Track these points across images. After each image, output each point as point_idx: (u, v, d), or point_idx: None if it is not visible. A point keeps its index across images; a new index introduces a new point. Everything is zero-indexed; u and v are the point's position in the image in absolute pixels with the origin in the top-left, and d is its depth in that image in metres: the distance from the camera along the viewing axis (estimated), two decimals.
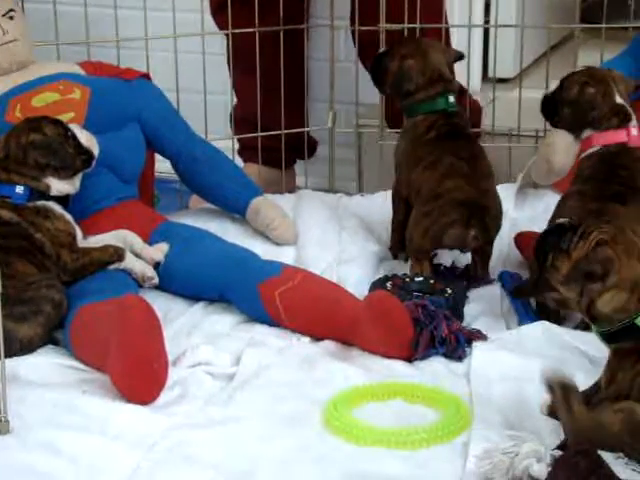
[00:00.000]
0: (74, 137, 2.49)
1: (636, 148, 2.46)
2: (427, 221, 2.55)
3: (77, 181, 2.52)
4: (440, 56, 2.70)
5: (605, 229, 1.90)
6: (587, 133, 2.49)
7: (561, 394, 1.84)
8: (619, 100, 2.46)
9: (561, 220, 1.98)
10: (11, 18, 2.73)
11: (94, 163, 2.53)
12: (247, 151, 3.27)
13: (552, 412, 2.00)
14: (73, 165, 2.48)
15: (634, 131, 2.46)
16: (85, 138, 2.52)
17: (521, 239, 2.72)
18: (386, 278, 2.54)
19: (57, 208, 2.46)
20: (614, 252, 1.88)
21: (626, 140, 2.45)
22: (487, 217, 2.55)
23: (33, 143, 2.44)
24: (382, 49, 2.90)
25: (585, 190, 2.44)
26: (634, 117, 2.47)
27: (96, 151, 2.53)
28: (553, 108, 2.54)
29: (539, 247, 1.98)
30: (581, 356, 2.25)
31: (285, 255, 2.75)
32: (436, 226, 2.54)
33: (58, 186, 2.47)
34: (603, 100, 2.46)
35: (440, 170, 2.58)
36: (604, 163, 2.45)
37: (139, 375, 2.11)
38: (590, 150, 2.48)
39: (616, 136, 2.45)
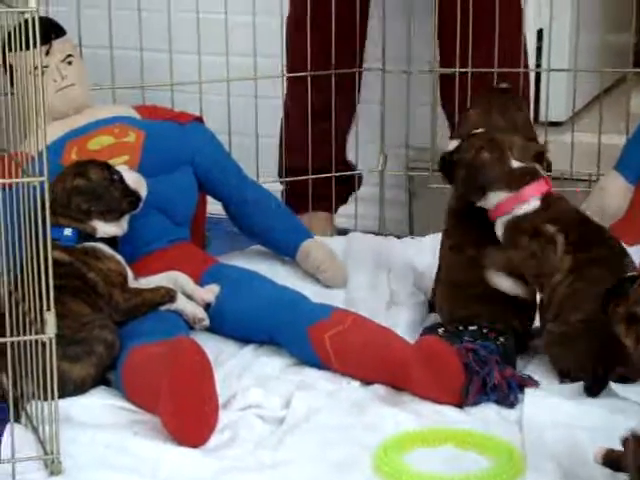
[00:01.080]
0: (121, 180, 2.51)
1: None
2: (452, 304, 2.54)
3: (124, 223, 2.54)
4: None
5: None
6: (499, 196, 2.44)
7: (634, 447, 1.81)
8: (515, 164, 2.45)
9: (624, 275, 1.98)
10: (69, 63, 2.78)
11: (141, 205, 2.55)
12: (295, 198, 3.24)
13: (606, 461, 1.97)
14: (118, 208, 2.50)
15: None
16: (133, 180, 2.54)
17: None
18: (439, 324, 2.52)
19: (106, 249, 2.48)
20: None
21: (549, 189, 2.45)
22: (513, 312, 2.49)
23: (77, 188, 2.46)
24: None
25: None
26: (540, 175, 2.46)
27: (144, 193, 2.55)
28: (449, 168, 2.51)
29: (605, 299, 1.98)
30: (634, 405, 2.22)
31: (335, 297, 2.75)
32: (463, 312, 2.51)
33: (105, 228, 2.49)
34: (498, 165, 2.44)
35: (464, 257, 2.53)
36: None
37: (190, 418, 2.11)
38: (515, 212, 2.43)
39: (540, 187, 2.44)
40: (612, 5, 3.25)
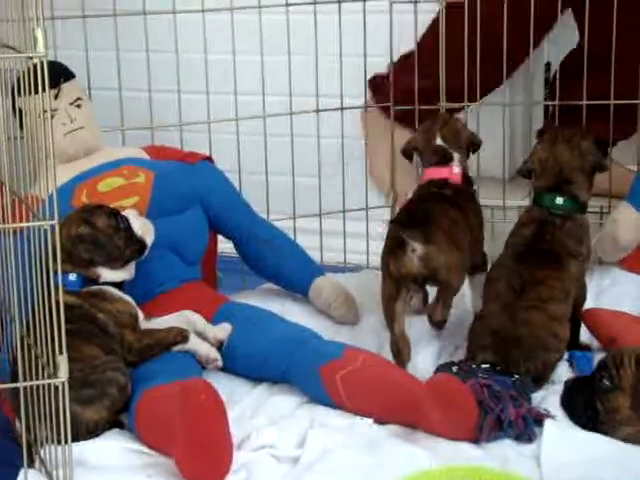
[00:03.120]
0: (127, 227, 2.51)
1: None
2: (471, 335, 2.55)
3: (131, 269, 2.53)
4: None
5: (632, 349, 1.84)
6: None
7: None
8: (439, 142, 2.69)
9: (577, 376, 1.91)
10: (78, 106, 2.79)
11: (147, 252, 2.54)
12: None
13: None
14: (122, 257, 2.49)
15: (456, 169, 2.68)
16: (140, 226, 2.53)
17: (589, 316, 2.67)
18: (452, 363, 2.51)
19: (114, 290, 2.48)
20: None
21: (448, 176, 2.67)
22: (516, 349, 2.45)
23: (80, 236, 2.45)
24: None
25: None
26: (456, 157, 2.69)
27: (150, 240, 2.54)
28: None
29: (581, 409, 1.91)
30: None
31: (348, 335, 2.74)
32: (474, 346, 2.52)
33: (109, 275, 2.48)
34: (425, 141, 2.71)
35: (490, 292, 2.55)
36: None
37: (204, 459, 2.10)
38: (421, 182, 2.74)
39: (439, 172, 2.68)
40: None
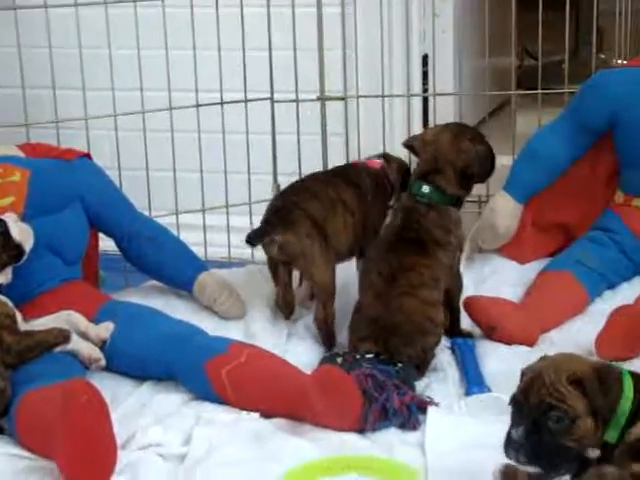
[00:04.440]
0: (4, 232, 2.45)
1: None
2: (350, 326, 2.59)
3: (8, 273, 2.48)
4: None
5: (549, 368, 1.85)
6: None
7: None
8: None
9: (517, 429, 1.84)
10: None
11: (25, 257, 2.49)
12: None
13: (505, 478, 1.98)
14: None
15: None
16: (18, 232, 2.48)
17: (469, 303, 2.72)
18: (337, 354, 2.52)
19: None
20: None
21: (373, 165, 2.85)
22: (394, 336, 2.48)
23: None
24: None
25: None
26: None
27: (29, 246, 2.50)
28: None
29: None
30: None
31: (234, 330, 2.73)
32: (353, 337, 2.55)
33: None
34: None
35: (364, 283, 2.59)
36: None
37: (87, 461, 2.06)
38: None
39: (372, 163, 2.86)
40: (494, 30, 3.32)
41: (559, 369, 1.81)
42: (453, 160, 2.62)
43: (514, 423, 1.83)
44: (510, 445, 1.82)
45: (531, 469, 1.83)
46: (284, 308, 2.80)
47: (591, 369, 1.81)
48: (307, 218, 2.64)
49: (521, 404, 1.82)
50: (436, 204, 2.60)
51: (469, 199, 2.78)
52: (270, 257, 2.71)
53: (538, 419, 1.79)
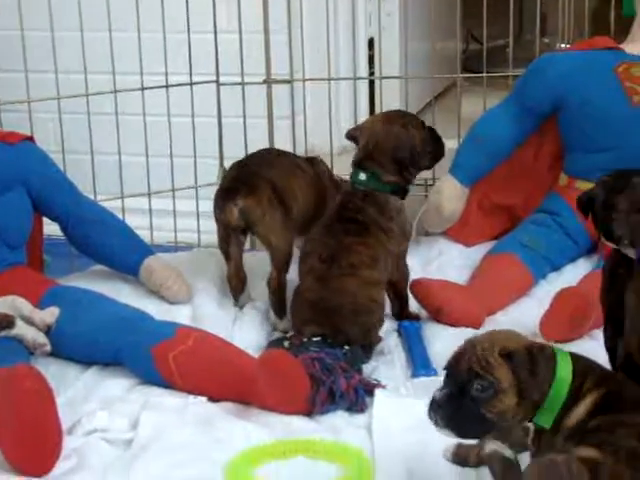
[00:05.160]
0: None
1: None
2: (292, 310, 2.60)
3: None
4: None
5: (484, 340, 1.86)
6: None
7: (501, 470, 1.81)
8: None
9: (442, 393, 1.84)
10: None
11: None
12: None
13: (455, 457, 1.99)
14: None
15: None
16: None
17: (416, 286, 2.74)
18: (284, 338, 2.52)
19: None
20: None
21: None
22: (338, 317, 2.49)
23: None
24: None
25: None
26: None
27: None
28: None
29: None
30: None
31: (181, 314, 2.72)
32: (297, 321, 2.56)
33: None
34: None
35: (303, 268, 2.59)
36: None
37: (32, 447, 2.05)
38: None
39: None
40: (439, 14, 3.33)
41: (494, 342, 1.83)
42: (385, 147, 2.61)
43: (442, 386, 1.84)
44: (432, 406, 1.83)
45: (446, 433, 1.83)
46: (236, 284, 2.78)
47: (524, 347, 1.82)
48: (268, 184, 2.66)
49: (452, 369, 1.84)
50: (373, 191, 2.61)
51: (416, 182, 2.79)
52: (226, 227, 2.69)
53: (463, 386, 1.80)
